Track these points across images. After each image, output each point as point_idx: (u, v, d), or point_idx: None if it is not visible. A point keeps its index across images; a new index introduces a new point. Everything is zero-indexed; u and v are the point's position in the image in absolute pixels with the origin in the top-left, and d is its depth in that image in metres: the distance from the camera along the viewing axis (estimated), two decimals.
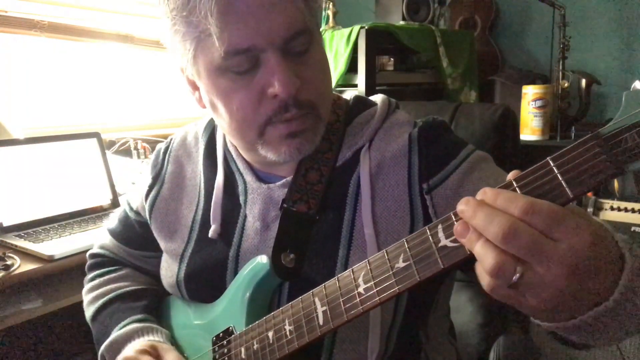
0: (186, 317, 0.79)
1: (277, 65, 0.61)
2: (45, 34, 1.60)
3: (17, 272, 1.03)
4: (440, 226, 0.47)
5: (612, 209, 1.67)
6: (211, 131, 0.83)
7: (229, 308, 0.71)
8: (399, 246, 0.49)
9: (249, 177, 0.75)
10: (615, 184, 1.80)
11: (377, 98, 0.79)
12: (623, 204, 1.66)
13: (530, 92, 2.00)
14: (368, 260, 0.52)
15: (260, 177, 0.75)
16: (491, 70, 2.38)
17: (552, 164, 0.42)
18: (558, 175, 0.41)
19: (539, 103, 1.97)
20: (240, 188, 0.76)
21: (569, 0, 2.11)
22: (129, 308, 0.81)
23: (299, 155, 0.68)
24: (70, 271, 1.10)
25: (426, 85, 2.16)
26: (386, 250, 0.50)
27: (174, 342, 0.78)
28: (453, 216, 0.46)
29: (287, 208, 0.70)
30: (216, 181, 0.78)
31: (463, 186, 0.66)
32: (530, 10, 2.38)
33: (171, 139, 0.88)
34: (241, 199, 0.75)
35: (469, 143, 0.73)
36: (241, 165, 0.76)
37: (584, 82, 2.10)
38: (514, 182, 0.43)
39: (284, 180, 0.72)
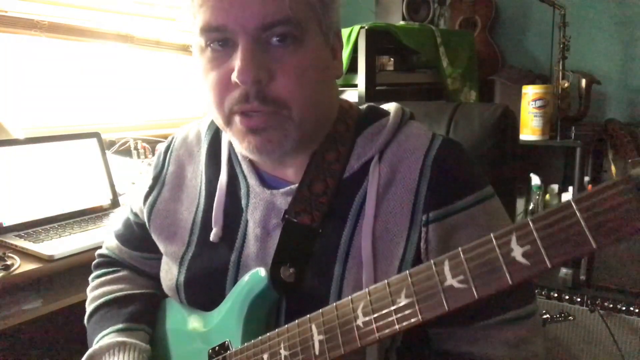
0: (183, 323, 0.77)
1: (241, 51, 0.59)
2: (45, 34, 1.60)
3: (17, 272, 1.02)
4: (447, 262, 0.44)
5: None
6: (216, 129, 0.80)
7: (226, 321, 0.69)
8: (402, 279, 0.47)
9: (252, 181, 0.72)
10: None
11: (391, 107, 0.75)
12: None
13: (530, 92, 1.99)
14: (368, 290, 0.49)
15: (265, 181, 0.72)
16: (491, 70, 2.38)
17: (574, 207, 0.38)
18: (581, 221, 0.37)
19: (539, 103, 1.97)
20: (243, 191, 0.73)
21: (569, 0, 2.11)
22: (114, 315, 0.80)
23: (259, 154, 0.64)
24: (70, 271, 1.10)
25: (426, 85, 2.16)
26: (388, 282, 0.48)
27: (166, 348, 0.77)
28: (461, 253, 0.43)
29: (289, 219, 0.67)
30: (219, 182, 0.75)
31: (458, 233, 0.64)
32: (530, 10, 2.38)
33: (172, 138, 0.85)
34: (243, 202, 0.72)
35: (488, 184, 0.67)
36: (245, 167, 0.73)
37: (584, 82, 2.10)
38: (530, 223, 0.39)
39: (287, 187, 0.69)
